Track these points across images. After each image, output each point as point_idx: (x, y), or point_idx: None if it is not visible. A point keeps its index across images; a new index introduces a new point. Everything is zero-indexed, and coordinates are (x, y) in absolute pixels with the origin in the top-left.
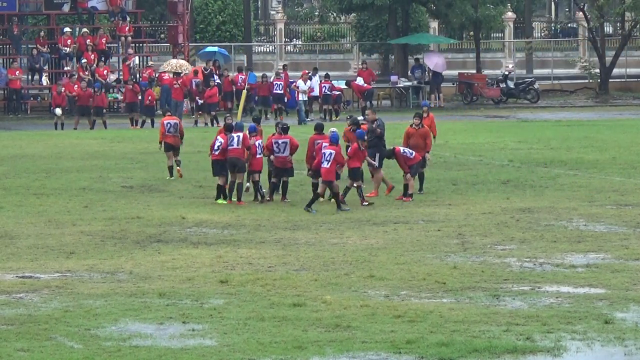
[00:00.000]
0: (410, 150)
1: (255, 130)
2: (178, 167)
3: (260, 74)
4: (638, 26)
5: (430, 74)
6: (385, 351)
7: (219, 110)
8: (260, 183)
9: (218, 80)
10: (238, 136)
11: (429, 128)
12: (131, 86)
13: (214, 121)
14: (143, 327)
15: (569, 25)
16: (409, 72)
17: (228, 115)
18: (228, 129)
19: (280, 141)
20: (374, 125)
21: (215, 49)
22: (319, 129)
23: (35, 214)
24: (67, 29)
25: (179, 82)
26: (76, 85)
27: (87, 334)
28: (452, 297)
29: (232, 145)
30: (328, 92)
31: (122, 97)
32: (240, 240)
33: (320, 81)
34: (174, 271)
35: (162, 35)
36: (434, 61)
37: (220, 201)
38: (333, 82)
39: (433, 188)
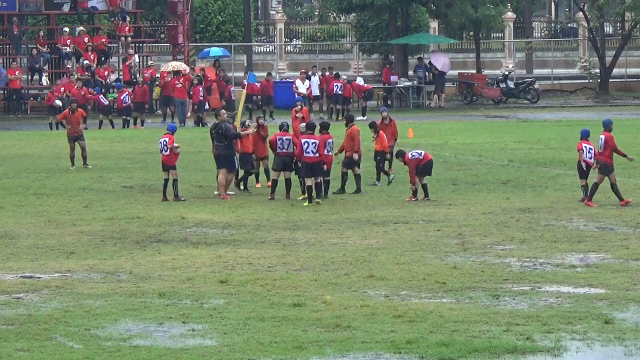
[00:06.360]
0: (419, 151)
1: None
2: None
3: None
4: (638, 26)
5: (432, 74)
6: (385, 351)
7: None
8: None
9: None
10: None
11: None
12: (141, 86)
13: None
14: (143, 327)
15: (569, 25)
16: (413, 71)
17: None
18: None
19: (284, 138)
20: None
21: (219, 51)
22: (325, 127)
23: (35, 214)
24: (65, 29)
25: (181, 80)
26: (75, 86)
27: (87, 334)
28: (452, 297)
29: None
30: (339, 92)
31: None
32: (240, 240)
33: (321, 78)
34: (174, 271)
35: (162, 35)
36: (441, 61)
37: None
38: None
39: (433, 188)
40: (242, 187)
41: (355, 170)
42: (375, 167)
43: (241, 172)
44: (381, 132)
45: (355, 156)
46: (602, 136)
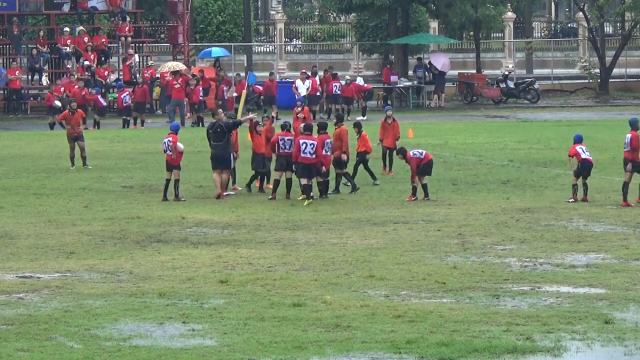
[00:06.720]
0: (420, 150)
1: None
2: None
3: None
4: (638, 26)
5: (432, 74)
6: (385, 351)
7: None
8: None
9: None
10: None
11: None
12: (141, 86)
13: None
14: (143, 327)
15: (569, 25)
16: (413, 71)
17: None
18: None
19: (286, 138)
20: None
21: (220, 52)
22: (323, 127)
23: (35, 214)
24: (65, 29)
25: (179, 81)
26: (76, 85)
27: (87, 334)
28: (452, 297)
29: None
30: (338, 92)
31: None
32: (240, 240)
33: (322, 78)
34: (174, 271)
35: (162, 35)
36: (441, 61)
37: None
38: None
39: (433, 188)
40: (257, 187)
41: (343, 170)
42: (363, 168)
43: (239, 172)
44: (364, 133)
45: (344, 157)
46: (629, 135)
